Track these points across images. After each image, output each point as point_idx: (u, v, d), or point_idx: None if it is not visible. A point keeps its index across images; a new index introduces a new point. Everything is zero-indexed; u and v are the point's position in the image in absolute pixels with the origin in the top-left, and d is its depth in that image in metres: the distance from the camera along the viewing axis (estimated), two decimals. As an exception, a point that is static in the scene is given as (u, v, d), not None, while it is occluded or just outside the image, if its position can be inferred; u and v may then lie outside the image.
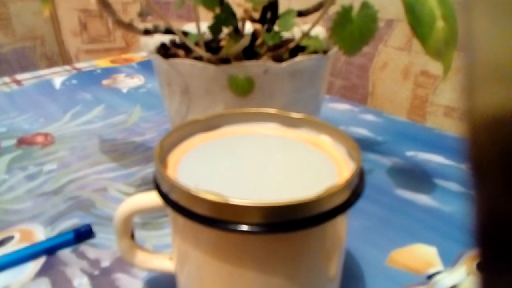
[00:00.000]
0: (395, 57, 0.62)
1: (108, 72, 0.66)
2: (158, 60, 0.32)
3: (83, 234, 0.31)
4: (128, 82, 0.62)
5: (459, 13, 0.07)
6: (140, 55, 0.75)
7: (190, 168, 0.22)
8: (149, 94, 0.58)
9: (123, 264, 0.29)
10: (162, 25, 0.32)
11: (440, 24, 0.26)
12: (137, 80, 0.62)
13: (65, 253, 0.30)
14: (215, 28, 0.30)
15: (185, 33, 0.35)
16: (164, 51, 0.35)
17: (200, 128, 0.25)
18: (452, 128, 0.57)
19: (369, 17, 0.28)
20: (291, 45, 0.31)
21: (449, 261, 0.29)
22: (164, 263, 0.25)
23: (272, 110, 0.25)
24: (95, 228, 0.32)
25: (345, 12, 0.28)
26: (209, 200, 0.18)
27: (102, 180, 0.39)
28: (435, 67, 0.61)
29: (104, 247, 0.31)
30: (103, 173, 0.40)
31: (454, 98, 0.60)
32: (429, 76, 0.62)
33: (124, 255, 0.25)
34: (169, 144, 0.23)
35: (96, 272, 0.28)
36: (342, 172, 0.20)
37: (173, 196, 0.19)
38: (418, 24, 0.26)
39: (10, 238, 0.32)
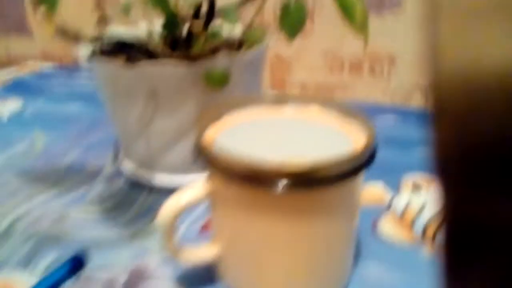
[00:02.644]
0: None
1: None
2: (113, 69, 0.31)
3: (77, 265, 0.29)
4: (3, 108, 0.54)
5: (424, 25, 0.08)
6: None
7: (229, 138, 0.24)
8: (39, 115, 0.52)
9: (141, 273, 0.29)
10: (106, 34, 0.32)
11: (359, 7, 0.33)
12: (13, 104, 0.55)
13: (69, 286, 0.28)
14: (169, 28, 0.32)
15: (117, 42, 0.35)
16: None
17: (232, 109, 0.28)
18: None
19: (301, 8, 0.33)
20: (233, 38, 0.35)
21: (395, 188, 0.37)
22: (207, 252, 0.26)
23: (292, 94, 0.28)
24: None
25: (287, 5, 0.33)
26: (249, 162, 0.21)
27: (53, 210, 0.35)
28: (286, 52, 0.70)
29: (108, 266, 0.29)
30: (48, 203, 0.36)
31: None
32: (281, 59, 0.72)
33: (173, 254, 0.25)
34: (206, 122, 0.26)
35: (119, 290, 0.28)
36: (358, 142, 0.25)
37: (216, 162, 0.22)
38: (345, 9, 0.33)
39: (-13, 295, 0.28)
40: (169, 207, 0.24)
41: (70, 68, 0.69)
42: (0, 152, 0.44)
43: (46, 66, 0.70)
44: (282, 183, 0.21)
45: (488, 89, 0.08)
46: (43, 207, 0.36)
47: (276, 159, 0.21)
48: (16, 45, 0.88)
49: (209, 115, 0.26)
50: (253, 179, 0.21)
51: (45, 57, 0.86)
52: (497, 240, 0.08)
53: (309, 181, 0.21)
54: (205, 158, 0.23)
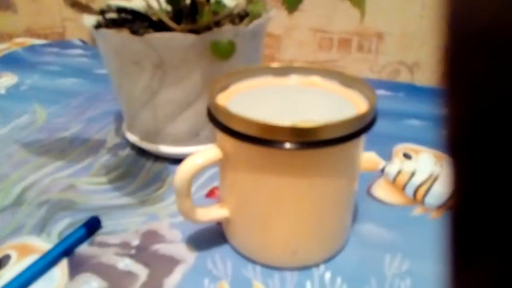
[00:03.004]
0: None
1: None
2: (121, 39, 0.32)
3: (93, 227, 0.31)
4: (-1, 82, 0.54)
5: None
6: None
7: (238, 105, 0.26)
8: (37, 90, 0.53)
9: (153, 236, 0.30)
10: (113, 4, 0.32)
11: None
12: (9, 79, 0.55)
13: (84, 249, 0.29)
14: (173, 1, 0.33)
15: (126, 11, 0.36)
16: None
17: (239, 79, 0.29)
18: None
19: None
20: (236, 10, 0.36)
21: (386, 157, 0.39)
22: (219, 211, 0.28)
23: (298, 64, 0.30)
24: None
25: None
26: (260, 123, 0.23)
27: (61, 180, 0.36)
28: (276, 29, 0.71)
29: (120, 232, 0.31)
30: (56, 173, 0.37)
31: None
32: (271, 36, 0.73)
33: (186, 214, 0.27)
34: (218, 89, 0.27)
35: (133, 252, 0.29)
36: (359, 108, 0.27)
37: (229, 124, 0.24)
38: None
39: (7, 258, 0.29)
40: (185, 168, 0.25)
41: (60, 44, 0.69)
42: (2, 124, 0.45)
43: (37, 42, 0.69)
44: (293, 143, 0.22)
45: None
46: (51, 177, 0.37)
47: (287, 120, 0.23)
48: (0, 21, 0.86)
49: (218, 83, 0.27)
50: (265, 139, 0.23)
51: (30, 33, 0.84)
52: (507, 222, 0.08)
53: (318, 140, 0.23)
54: (218, 121, 0.25)
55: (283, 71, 0.30)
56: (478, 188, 0.08)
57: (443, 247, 0.09)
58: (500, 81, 0.07)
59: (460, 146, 0.08)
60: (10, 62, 0.60)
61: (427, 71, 0.67)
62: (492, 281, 0.08)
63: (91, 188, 0.36)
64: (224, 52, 0.31)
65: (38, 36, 0.84)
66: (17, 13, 0.85)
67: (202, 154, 0.26)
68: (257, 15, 0.36)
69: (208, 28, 0.32)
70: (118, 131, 0.44)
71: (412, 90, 0.54)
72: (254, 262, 0.28)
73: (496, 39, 0.07)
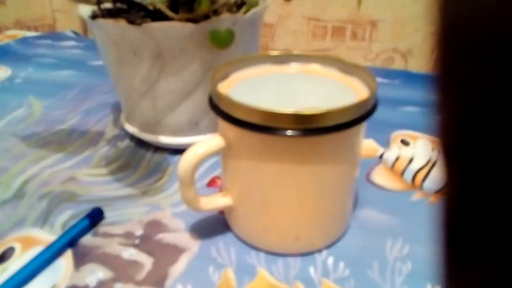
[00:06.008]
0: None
1: None
2: (119, 29, 0.32)
3: (96, 218, 0.31)
4: (-9, 76, 0.53)
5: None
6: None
7: (238, 93, 0.26)
8: (32, 83, 0.52)
9: (156, 226, 0.31)
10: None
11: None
12: (2, 72, 0.55)
13: (88, 240, 0.30)
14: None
15: (121, 1, 0.35)
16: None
17: (238, 67, 0.29)
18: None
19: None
20: (233, 1, 0.36)
21: (384, 144, 0.40)
22: (222, 200, 0.28)
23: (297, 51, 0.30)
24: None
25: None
26: (262, 110, 0.23)
27: (61, 172, 0.36)
28: (270, 18, 0.71)
29: (123, 222, 0.31)
30: (56, 166, 0.37)
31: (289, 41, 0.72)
32: (265, 25, 0.73)
33: (190, 203, 0.27)
34: (218, 77, 0.28)
35: (137, 241, 0.29)
36: (360, 94, 0.27)
37: (231, 112, 0.24)
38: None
39: (11, 250, 0.29)
40: (188, 157, 0.25)
41: (53, 36, 0.68)
42: (-3, 119, 0.45)
43: (28, 34, 0.68)
44: (295, 130, 0.23)
45: None
46: (51, 170, 0.37)
47: (288, 108, 0.23)
48: (-11, 14, 0.85)
49: (218, 72, 0.28)
50: (267, 127, 0.23)
51: (20, 26, 0.83)
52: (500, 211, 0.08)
53: (320, 127, 0.23)
54: (220, 110, 0.25)
55: (283, 59, 0.30)
56: (471, 193, 0.08)
57: (437, 238, 0.09)
58: (493, 86, 0.07)
59: (453, 151, 0.08)
60: (3, 55, 0.60)
61: (420, 57, 0.67)
62: (485, 286, 0.08)
63: (91, 179, 0.36)
64: (223, 41, 0.31)
65: (28, 28, 0.83)
66: (6, 5, 0.83)
67: (205, 143, 0.26)
68: (254, 3, 0.36)
69: (206, 17, 0.32)
70: (116, 122, 0.43)
71: (407, 77, 0.54)
72: (257, 249, 0.29)
73: (488, 43, 0.07)
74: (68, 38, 0.67)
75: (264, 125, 0.23)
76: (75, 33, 0.71)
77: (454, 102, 0.08)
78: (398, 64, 0.67)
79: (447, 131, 0.08)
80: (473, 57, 0.07)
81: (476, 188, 0.08)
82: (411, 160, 0.38)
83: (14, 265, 0.28)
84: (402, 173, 0.36)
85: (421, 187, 0.34)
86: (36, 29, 0.83)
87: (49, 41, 0.66)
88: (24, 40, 0.65)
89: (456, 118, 0.08)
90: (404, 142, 0.40)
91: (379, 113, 0.46)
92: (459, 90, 0.07)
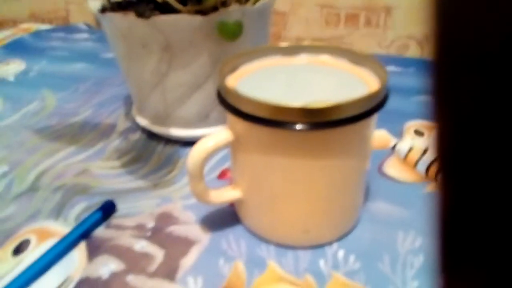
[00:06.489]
0: None
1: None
2: (127, 22, 0.32)
3: (109, 210, 0.31)
4: (7, 69, 0.54)
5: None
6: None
7: (247, 86, 0.26)
8: (45, 76, 0.53)
9: (167, 218, 0.31)
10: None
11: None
12: (17, 65, 0.55)
13: (101, 232, 0.30)
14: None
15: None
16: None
17: (247, 60, 0.29)
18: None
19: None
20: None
21: (397, 135, 0.39)
22: (231, 193, 0.28)
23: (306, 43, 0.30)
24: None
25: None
26: (271, 105, 0.23)
27: (74, 165, 0.37)
28: (282, 6, 0.70)
29: (135, 214, 0.31)
30: (69, 159, 0.38)
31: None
32: (277, 13, 0.72)
33: (200, 196, 0.27)
34: (227, 70, 0.27)
35: (149, 234, 0.30)
36: (370, 86, 0.27)
37: (239, 107, 0.24)
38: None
39: (26, 242, 0.30)
40: (197, 151, 0.25)
41: (66, 29, 0.69)
42: (13, 111, 0.45)
43: (42, 28, 0.69)
44: (304, 123, 0.22)
45: None
46: (65, 162, 0.37)
47: (298, 101, 0.23)
48: (3, 7, 0.86)
49: (227, 65, 0.27)
50: (276, 121, 0.23)
51: (35, 18, 0.84)
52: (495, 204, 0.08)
53: (329, 121, 0.23)
54: (228, 103, 0.24)
55: (292, 50, 0.30)
56: (467, 201, 0.08)
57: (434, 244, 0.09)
58: (487, 96, 0.07)
59: (449, 159, 0.08)
60: (17, 48, 0.60)
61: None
62: None
63: (104, 172, 0.36)
64: (231, 33, 0.31)
65: (43, 20, 0.83)
66: (20, -2, 0.84)
67: (214, 137, 0.26)
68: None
69: (214, 8, 0.32)
70: (128, 115, 0.44)
71: (421, 65, 0.53)
72: (267, 241, 0.29)
73: (483, 54, 0.07)
74: (81, 31, 0.68)
75: (272, 119, 0.23)
76: (88, 25, 0.72)
77: (449, 111, 0.08)
78: (413, 52, 0.66)
79: (443, 139, 0.08)
80: (467, 68, 0.07)
81: (471, 195, 0.08)
82: (425, 151, 0.37)
83: (30, 256, 0.28)
84: (416, 164, 0.36)
85: (435, 178, 0.34)
86: (50, 21, 0.83)
87: (62, 34, 0.66)
88: (37, 34, 0.65)
89: (451, 126, 0.08)
90: (418, 133, 0.40)
91: (392, 102, 0.45)
92: (454, 99, 0.08)
